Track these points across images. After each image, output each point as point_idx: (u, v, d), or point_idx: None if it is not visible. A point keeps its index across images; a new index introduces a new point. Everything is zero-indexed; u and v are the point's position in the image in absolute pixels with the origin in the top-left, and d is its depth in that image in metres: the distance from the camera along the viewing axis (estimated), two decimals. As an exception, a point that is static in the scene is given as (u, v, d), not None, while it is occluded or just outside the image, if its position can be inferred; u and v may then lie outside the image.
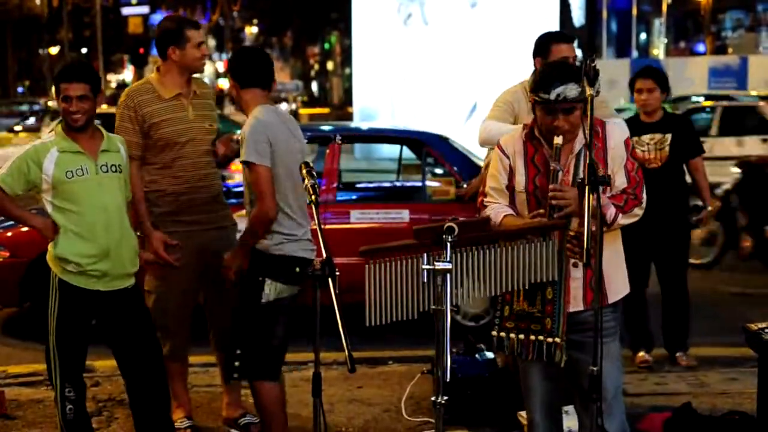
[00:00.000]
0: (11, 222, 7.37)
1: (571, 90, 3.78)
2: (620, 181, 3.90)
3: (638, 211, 3.94)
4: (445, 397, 3.68)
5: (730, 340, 6.97)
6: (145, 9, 57.61)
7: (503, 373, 5.59)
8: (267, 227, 4.68)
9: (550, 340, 3.88)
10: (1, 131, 27.68)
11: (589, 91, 3.66)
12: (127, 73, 70.72)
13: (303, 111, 43.44)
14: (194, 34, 5.30)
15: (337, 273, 3.70)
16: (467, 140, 8.87)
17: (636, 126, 6.60)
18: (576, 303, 3.93)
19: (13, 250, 7.64)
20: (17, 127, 27.98)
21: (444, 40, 21.12)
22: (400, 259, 3.63)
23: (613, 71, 26.67)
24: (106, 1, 55.09)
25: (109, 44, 54.73)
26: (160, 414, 4.91)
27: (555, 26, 19.33)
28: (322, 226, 3.86)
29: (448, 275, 3.57)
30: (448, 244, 3.59)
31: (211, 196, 5.37)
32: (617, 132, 3.99)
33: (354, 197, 9.03)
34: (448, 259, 3.58)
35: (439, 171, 10.17)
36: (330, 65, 64.42)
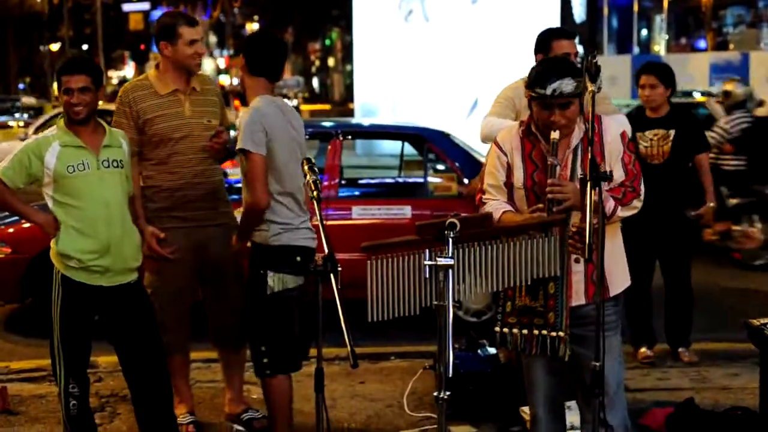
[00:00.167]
0: (13, 218, 7.39)
1: (566, 85, 3.80)
2: (618, 174, 3.92)
3: (637, 204, 3.96)
4: (448, 393, 3.69)
5: (733, 335, 6.98)
6: (145, 5, 57.52)
7: (505, 368, 5.60)
8: (259, 216, 4.71)
9: (553, 334, 3.90)
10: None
11: (590, 87, 3.68)
12: (128, 70, 70.74)
13: (304, 107, 43.39)
14: (187, 31, 5.27)
15: (339, 269, 3.71)
16: (468, 136, 8.87)
17: (641, 121, 6.60)
18: (578, 297, 3.94)
19: (15, 246, 7.65)
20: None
21: (445, 37, 21.10)
22: (402, 255, 3.63)
23: (614, 67, 26.64)
24: (106, -3, 55.04)
25: (109, 41, 54.74)
26: (162, 409, 4.92)
27: (556, 22, 19.30)
28: (324, 222, 3.87)
29: (450, 271, 3.57)
30: (450, 240, 3.59)
31: (209, 193, 5.35)
32: (613, 126, 4.02)
33: (356, 193, 9.04)
34: (450, 254, 3.58)
35: (440, 167, 10.16)
36: (331, 61, 64.39)
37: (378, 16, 22.08)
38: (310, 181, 3.94)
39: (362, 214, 7.67)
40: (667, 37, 46.90)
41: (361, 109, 22.83)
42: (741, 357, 6.65)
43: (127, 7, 58.49)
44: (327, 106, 49.41)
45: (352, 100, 26.34)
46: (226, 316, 5.35)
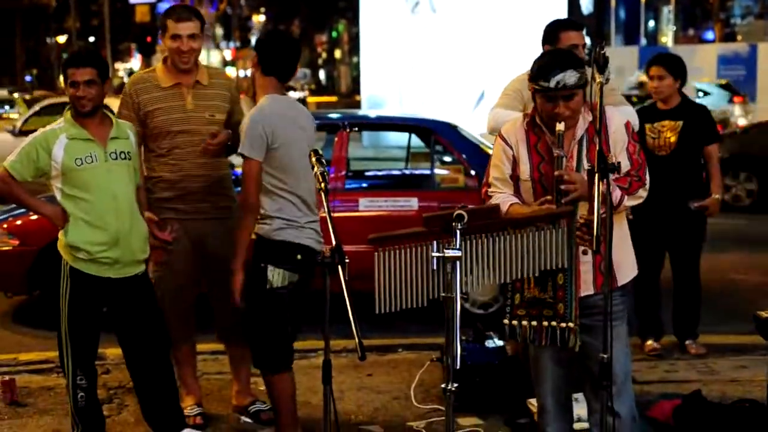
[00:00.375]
0: (21, 210, 7.40)
1: (570, 77, 3.80)
2: (624, 164, 3.92)
3: (642, 193, 3.98)
4: (455, 385, 3.68)
5: (741, 327, 6.97)
6: (152, -3, 57.58)
7: (513, 360, 5.60)
8: (249, 215, 4.73)
9: (563, 325, 3.90)
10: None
11: (599, 78, 3.67)
12: (135, 62, 70.79)
13: (311, 99, 43.44)
14: (171, 25, 5.22)
15: (347, 261, 3.71)
16: (475, 128, 8.86)
17: (652, 113, 6.58)
18: (586, 287, 3.95)
19: (23, 238, 7.66)
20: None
21: (452, 28, 21.10)
22: (410, 247, 3.63)
23: (622, 59, 26.61)
24: (113, -10, 55.02)
25: (116, 33, 54.74)
26: (166, 401, 4.93)
27: (563, 14, 19.30)
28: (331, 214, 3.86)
29: (458, 263, 3.56)
30: (458, 232, 3.59)
31: (210, 186, 5.32)
32: (617, 116, 4.02)
33: (363, 185, 9.03)
34: (458, 246, 3.58)
35: (447, 159, 10.16)
36: (338, 53, 64.40)
37: (385, 7, 22.09)
38: (318, 173, 3.94)
39: (369, 206, 7.66)
40: (674, 28, 46.82)
41: (368, 101, 22.84)
42: (749, 349, 6.64)
43: (133, -1, 58.52)
44: (334, 98, 49.44)
45: (358, 91, 26.37)
46: (228, 311, 5.36)
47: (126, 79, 46.93)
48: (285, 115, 4.77)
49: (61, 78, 4.75)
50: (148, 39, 60.68)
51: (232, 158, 5.61)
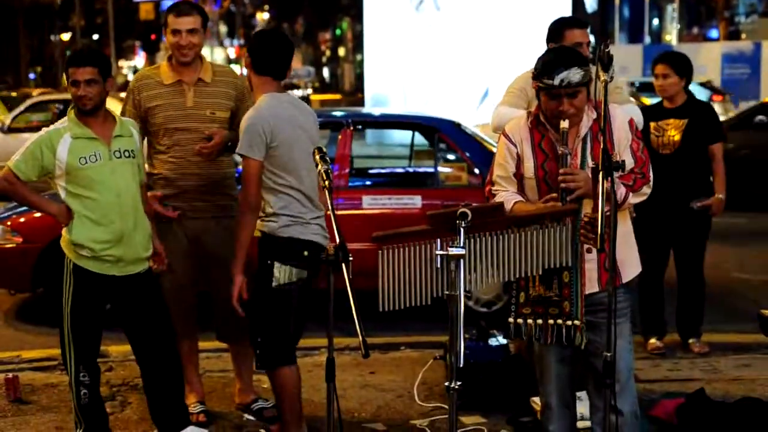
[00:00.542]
0: (24, 208, 7.40)
1: (574, 74, 3.81)
2: (628, 161, 3.92)
3: (646, 190, 3.99)
4: (458, 383, 3.68)
5: (744, 326, 6.97)
6: (156, -5, 57.51)
7: (516, 358, 5.59)
8: (251, 214, 4.72)
9: (569, 323, 3.91)
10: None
11: (603, 76, 3.67)
12: (139, 60, 70.79)
13: (314, 97, 43.38)
14: (172, 20, 5.24)
15: (351, 258, 3.70)
16: (479, 125, 8.86)
17: (657, 112, 6.57)
18: (591, 285, 3.96)
19: (26, 235, 7.66)
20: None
21: (456, 26, 21.09)
22: (413, 245, 3.63)
23: (626, 57, 26.56)
24: (117, -13, 55.02)
25: (120, 31, 54.74)
26: (173, 398, 4.94)
27: (567, 12, 19.28)
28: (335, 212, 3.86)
29: (462, 261, 3.56)
30: (462, 230, 3.59)
31: (209, 185, 5.32)
32: (620, 114, 4.03)
33: (366, 183, 9.03)
34: (462, 244, 3.58)
35: (451, 157, 10.15)
36: (341, 51, 64.37)
37: (389, 5, 22.08)
38: (322, 171, 3.94)
39: (372, 204, 7.66)
40: (678, 26, 46.76)
41: (372, 99, 22.84)
42: (752, 348, 6.64)
43: (137, -4, 58.50)
44: (337, 96, 49.41)
45: (362, 90, 26.34)
46: (226, 309, 5.36)
47: (130, 77, 47.04)
48: (284, 113, 4.76)
49: (65, 76, 4.75)
50: (153, 37, 60.69)
51: (236, 157, 5.59)
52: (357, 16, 40.77)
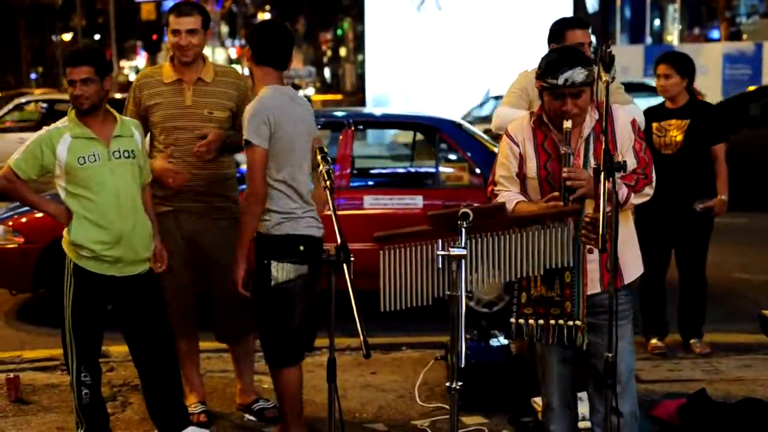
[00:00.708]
0: (25, 208, 7.40)
1: (578, 74, 3.81)
2: (630, 162, 3.92)
3: (649, 191, 3.99)
4: (460, 383, 3.68)
5: (745, 326, 6.96)
6: (158, -5, 57.51)
7: (517, 359, 5.59)
8: (257, 205, 4.66)
9: (570, 323, 3.91)
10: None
11: (605, 77, 3.67)
12: (140, 60, 70.78)
13: (315, 97, 43.38)
14: (173, 20, 5.26)
15: (352, 259, 3.70)
16: (480, 126, 8.86)
17: (660, 112, 6.55)
18: (593, 285, 3.96)
19: (27, 236, 7.66)
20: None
21: (457, 26, 21.10)
22: (415, 245, 3.63)
23: (627, 58, 26.54)
24: (118, -13, 55.01)
25: (122, 31, 54.76)
26: (172, 399, 4.93)
27: (569, 12, 19.28)
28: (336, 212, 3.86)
29: (463, 261, 3.56)
30: (463, 230, 3.59)
31: (206, 185, 5.30)
32: (622, 114, 4.03)
33: (368, 183, 9.03)
34: (463, 244, 3.58)
35: (452, 157, 10.15)
36: (343, 51, 64.33)
37: (390, 5, 22.10)
38: (323, 172, 3.93)
39: (374, 204, 7.66)
40: (680, 27, 46.72)
41: (373, 100, 22.85)
42: (754, 348, 6.64)
43: (139, -4, 58.50)
44: (339, 96, 49.39)
45: (363, 90, 26.33)
46: (225, 310, 5.35)
47: (131, 78, 47.01)
48: (285, 105, 4.73)
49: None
50: (154, 37, 60.63)
51: (237, 157, 5.59)
52: (358, 16, 40.79)
